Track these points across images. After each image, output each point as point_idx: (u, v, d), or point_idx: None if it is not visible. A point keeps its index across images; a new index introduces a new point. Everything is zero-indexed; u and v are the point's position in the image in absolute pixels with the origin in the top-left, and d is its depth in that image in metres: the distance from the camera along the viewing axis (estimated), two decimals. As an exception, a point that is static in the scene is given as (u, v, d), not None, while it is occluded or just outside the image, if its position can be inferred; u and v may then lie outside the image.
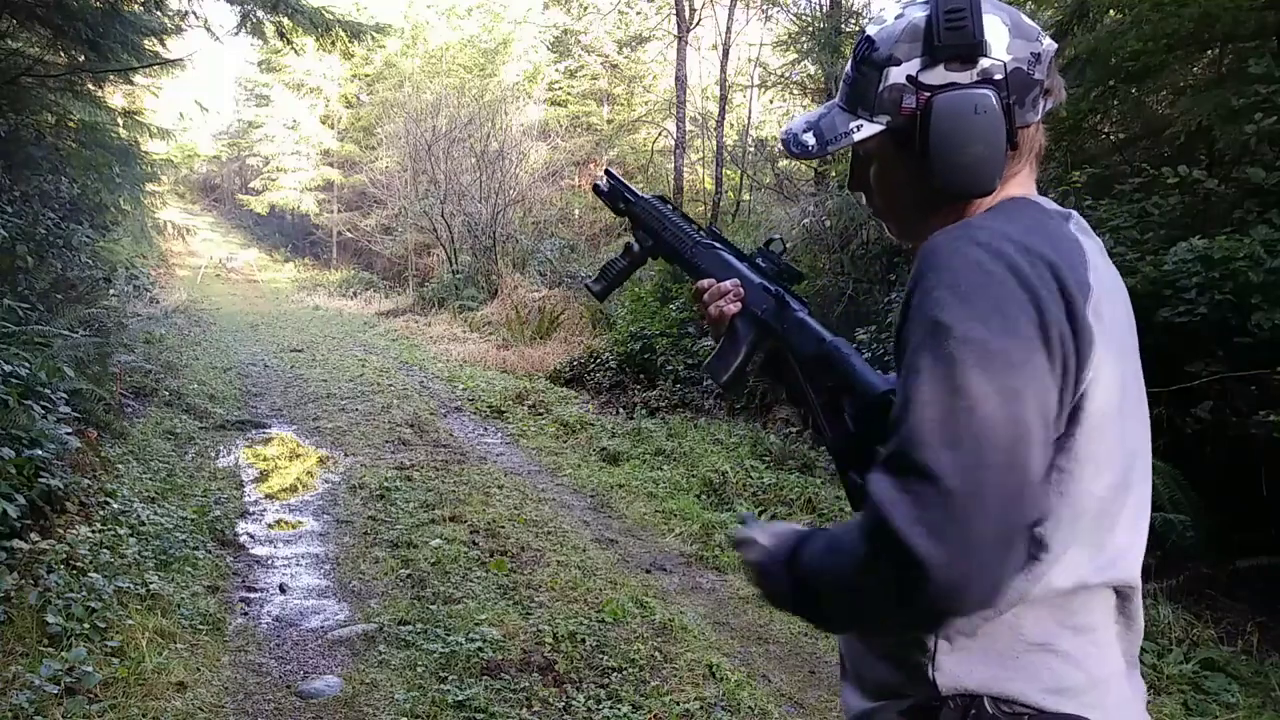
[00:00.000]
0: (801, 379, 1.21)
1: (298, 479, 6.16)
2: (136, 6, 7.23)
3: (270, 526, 5.15)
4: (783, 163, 12.87)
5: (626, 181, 1.48)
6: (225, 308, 18.20)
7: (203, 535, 4.58)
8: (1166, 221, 4.64)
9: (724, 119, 12.28)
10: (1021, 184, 1.02)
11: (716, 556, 4.80)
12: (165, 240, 23.75)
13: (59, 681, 2.80)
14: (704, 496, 5.92)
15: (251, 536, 4.92)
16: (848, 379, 1.12)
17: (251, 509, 5.45)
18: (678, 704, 3.11)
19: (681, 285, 10.16)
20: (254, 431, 7.59)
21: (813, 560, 0.94)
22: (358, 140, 27.12)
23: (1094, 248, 0.95)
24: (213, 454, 6.62)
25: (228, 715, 2.99)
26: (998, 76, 0.95)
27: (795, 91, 12.97)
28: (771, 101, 15.38)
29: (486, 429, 8.18)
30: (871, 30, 1.01)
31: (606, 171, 1.51)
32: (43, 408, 4.22)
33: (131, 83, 11.57)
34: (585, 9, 22.40)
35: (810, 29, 10.78)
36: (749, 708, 3.12)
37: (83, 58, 7.30)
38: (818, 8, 11.09)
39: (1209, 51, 5.54)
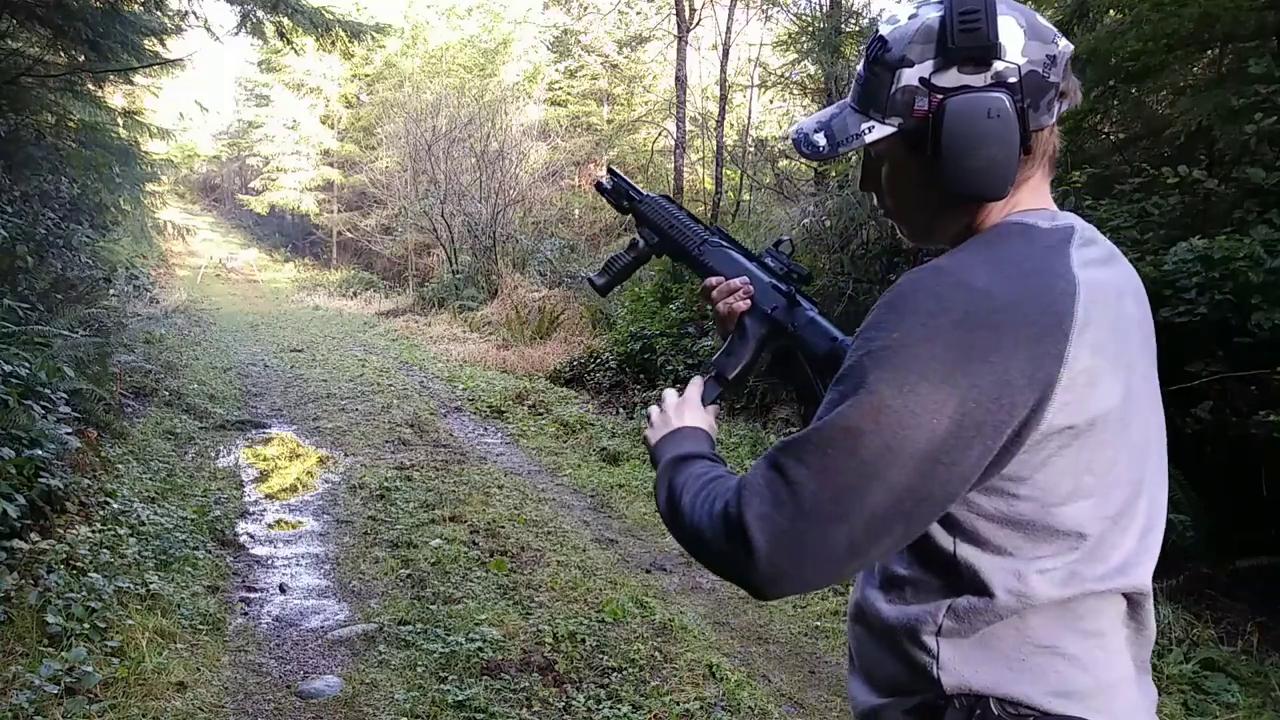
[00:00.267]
0: (814, 378, 1.21)
1: (298, 479, 6.16)
2: (136, 6, 7.23)
3: (270, 526, 5.15)
4: (783, 163, 12.87)
5: (629, 179, 1.47)
6: (225, 308, 18.20)
7: (203, 535, 4.58)
8: (1166, 221, 4.64)
9: (724, 119, 12.27)
10: (1034, 188, 1.00)
11: (716, 556, 4.80)
12: (165, 240, 23.76)
13: (59, 681, 2.80)
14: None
15: (251, 536, 4.92)
16: None
17: (251, 509, 5.45)
18: (678, 704, 3.11)
19: (681, 285, 10.16)
20: (254, 431, 7.59)
21: (683, 488, 1.04)
22: (358, 140, 27.12)
23: (1092, 267, 0.93)
24: (213, 454, 6.63)
25: (228, 715, 2.99)
26: (1012, 80, 0.93)
27: (795, 91, 12.96)
28: (771, 101, 15.38)
29: (486, 429, 8.18)
30: (885, 30, 1.00)
31: (609, 169, 1.50)
32: (43, 408, 4.22)
33: (131, 83, 11.57)
34: (585, 9, 22.41)
35: (810, 29, 10.78)
36: (749, 708, 3.12)
37: (83, 58, 7.30)
38: (818, 8, 11.09)
39: (1209, 51, 5.54)
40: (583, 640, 3.56)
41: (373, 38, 9.50)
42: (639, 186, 1.46)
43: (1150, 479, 0.97)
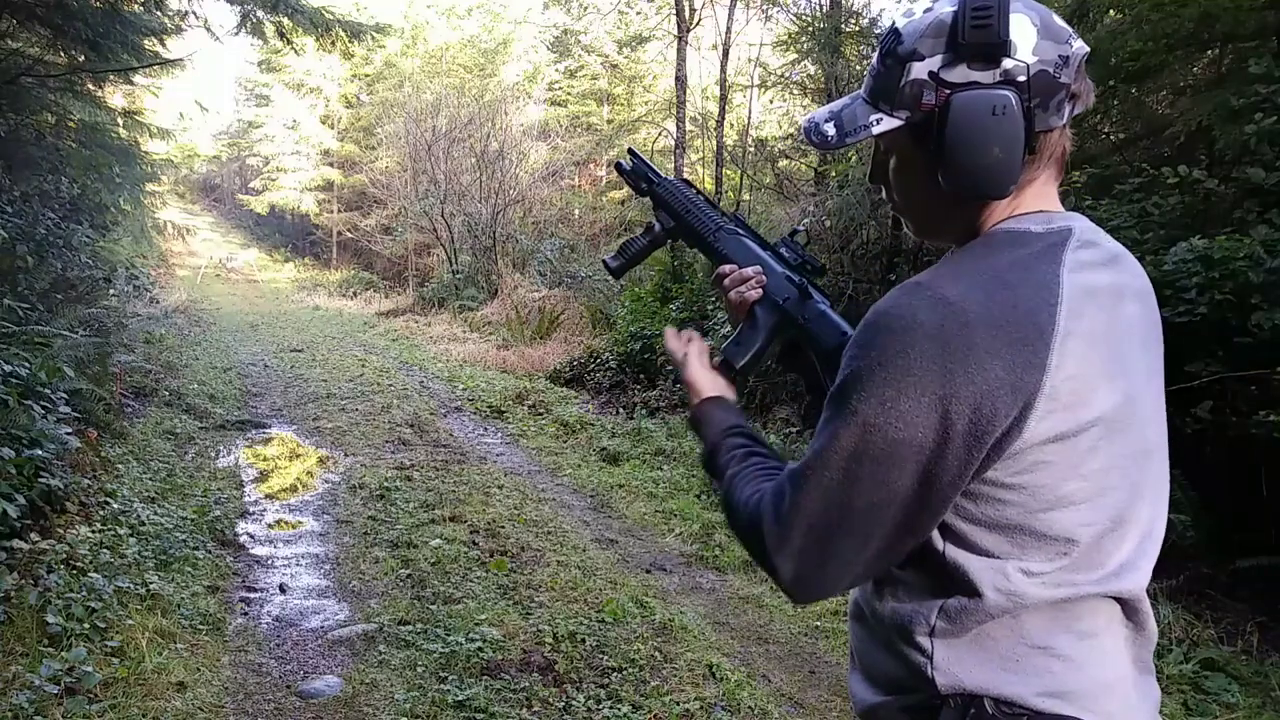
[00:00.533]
0: (821, 371, 1.21)
1: (298, 479, 6.16)
2: (136, 6, 7.23)
3: (270, 526, 5.15)
4: (783, 163, 12.86)
5: (649, 161, 1.46)
6: (225, 308, 18.20)
7: (203, 535, 4.58)
8: (1166, 221, 4.64)
9: (724, 119, 12.27)
10: (1038, 191, 0.99)
11: (716, 556, 4.80)
12: (165, 240, 23.73)
13: (59, 681, 2.80)
14: (704, 496, 5.92)
15: (251, 536, 4.92)
16: None
17: (251, 509, 5.45)
18: (678, 704, 3.11)
19: (681, 286, 10.16)
20: (254, 431, 7.59)
21: (725, 474, 1.13)
22: (358, 140, 27.11)
23: (1086, 271, 0.92)
24: (213, 454, 6.63)
25: (228, 715, 2.99)
26: (1020, 78, 0.92)
27: (795, 91, 12.96)
28: (771, 101, 15.37)
29: (486, 429, 8.18)
30: (900, 23, 0.99)
31: (630, 150, 1.49)
32: (43, 408, 4.22)
33: (131, 83, 11.57)
34: (585, 9, 22.40)
35: (810, 29, 10.78)
36: (749, 708, 3.12)
37: (83, 58, 7.30)
38: (818, 8, 11.09)
39: (1209, 51, 5.54)
40: (583, 640, 3.56)
41: (373, 38, 9.50)
42: (660, 170, 1.45)
43: (1152, 483, 0.97)
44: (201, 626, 3.56)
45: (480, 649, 3.43)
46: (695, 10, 12.96)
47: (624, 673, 3.33)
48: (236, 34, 8.09)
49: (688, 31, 12.46)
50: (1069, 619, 0.92)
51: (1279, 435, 3.69)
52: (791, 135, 13.54)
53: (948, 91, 0.94)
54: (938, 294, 0.89)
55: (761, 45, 13.31)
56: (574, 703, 3.11)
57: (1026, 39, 0.93)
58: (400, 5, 26.44)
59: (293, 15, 7.88)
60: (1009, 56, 0.92)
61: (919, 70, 0.96)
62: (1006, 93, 0.92)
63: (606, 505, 5.83)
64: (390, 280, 23.03)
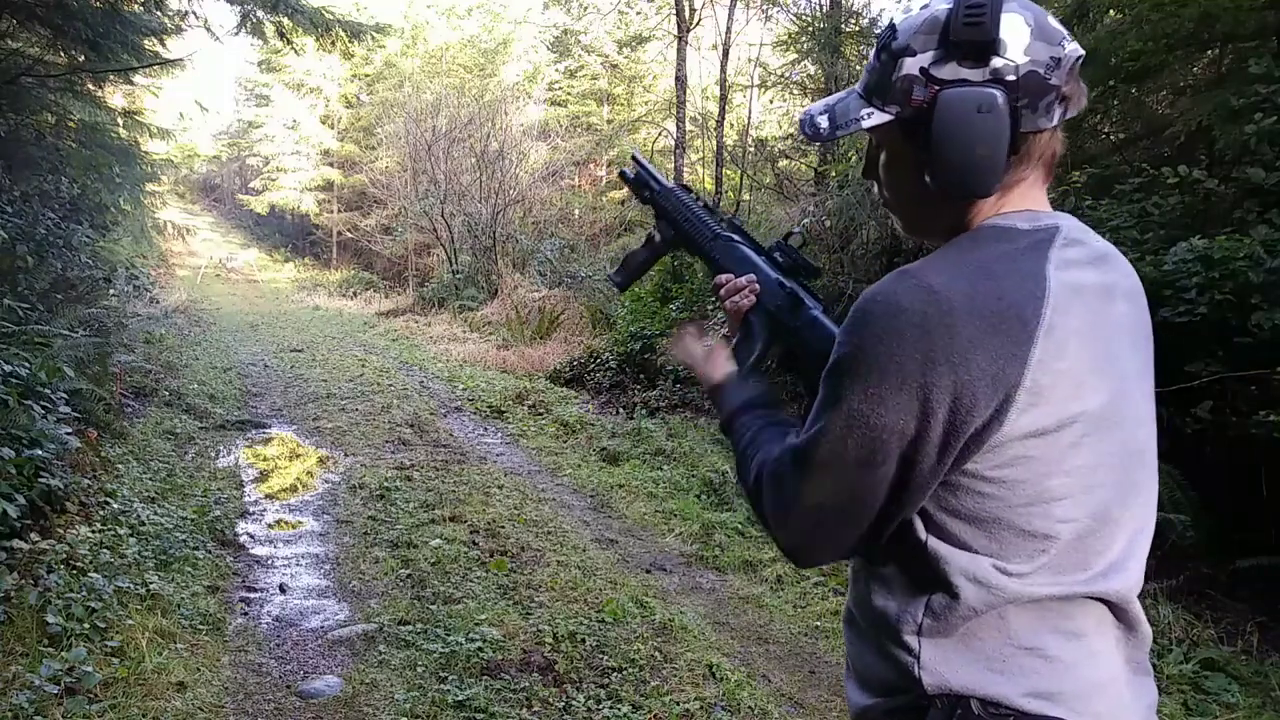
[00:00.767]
0: (815, 378, 1.22)
1: (298, 479, 6.16)
2: (136, 6, 7.23)
3: (270, 526, 5.15)
4: (783, 163, 12.86)
5: (652, 168, 1.46)
6: (225, 308, 18.20)
7: (203, 535, 4.58)
8: (1166, 221, 4.64)
9: (724, 119, 12.27)
10: (1025, 192, 0.99)
11: (716, 556, 4.80)
12: (165, 240, 23.74)
13: (59, 681, 2.80)
14: (704, 496, 5.92)
15: (251, 536, 4.92)
16: None
17: (251, 509, 5.45)
18: (678, 704, 3.11)
19: (681, 286, 10.16)
20: (254, 431, 7.59)
21: (738, 441, 1.16)
22: (358, 140, 27.11)
23: (1072, 269, 0.92)
24: (213, 454, 6.62)
25: (228, 715, 2.99)
26: (1010, 77, 0.92)
27: (795, 91, 12.96)
28: (771, 101, 15.37)
29: (486, 429, 8.18)
30: (898, 19, 1.00)
31: (633, 156, 1.50)
32: (43, 408, 4.22)
33: (131, 83, 11.58)
34: (585, 9, 22.40)
35: (810, 29, 10.78)
36: (749, 708, 3.12)
37: (83, 58, 7.31)
38: (818, 8, 11.09)
39: (1209, 51, 5.54)
40: (583, 640, 3.56)
41: (373, 38, 9.50)
42: (660, 176, 1.46)
43: (1142, 483, 0.97)
44: (201, 626, 3.56)
45: (480, 649, 3.43)
46: (695, 10, 12.96)
47: (624, 673, 3.33)
48: (236, 34, 8.10)
49: (688, 31, 12.46)
50: (1056, 619, 0.92)
51: (1279, 435, 3.69)
52: (791, 135, 13.54)
53: (937, 88, 0.95)
54: (923, 282, 0.90)
55: (761, 45, 13.31)
56: (574, 703, 3.11)
57: (1018, 39, 0.93)
58: (400, 5, 26.46)
59: (293, 15, 7.88)
60: (999, 55, 0.93)
61: (910, 66, 0.97)
62: (993, 91, 0.92)
63: (606, 505, 5.83)
64: (390, 280, 23.03)
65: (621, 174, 1.49)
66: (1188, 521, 3.98)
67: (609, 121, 22.79)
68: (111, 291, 8.64)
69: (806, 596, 4.28)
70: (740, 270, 1.31)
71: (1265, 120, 4.12)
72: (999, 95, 0.92)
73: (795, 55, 11.86)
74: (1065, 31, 0.96)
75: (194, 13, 7.77)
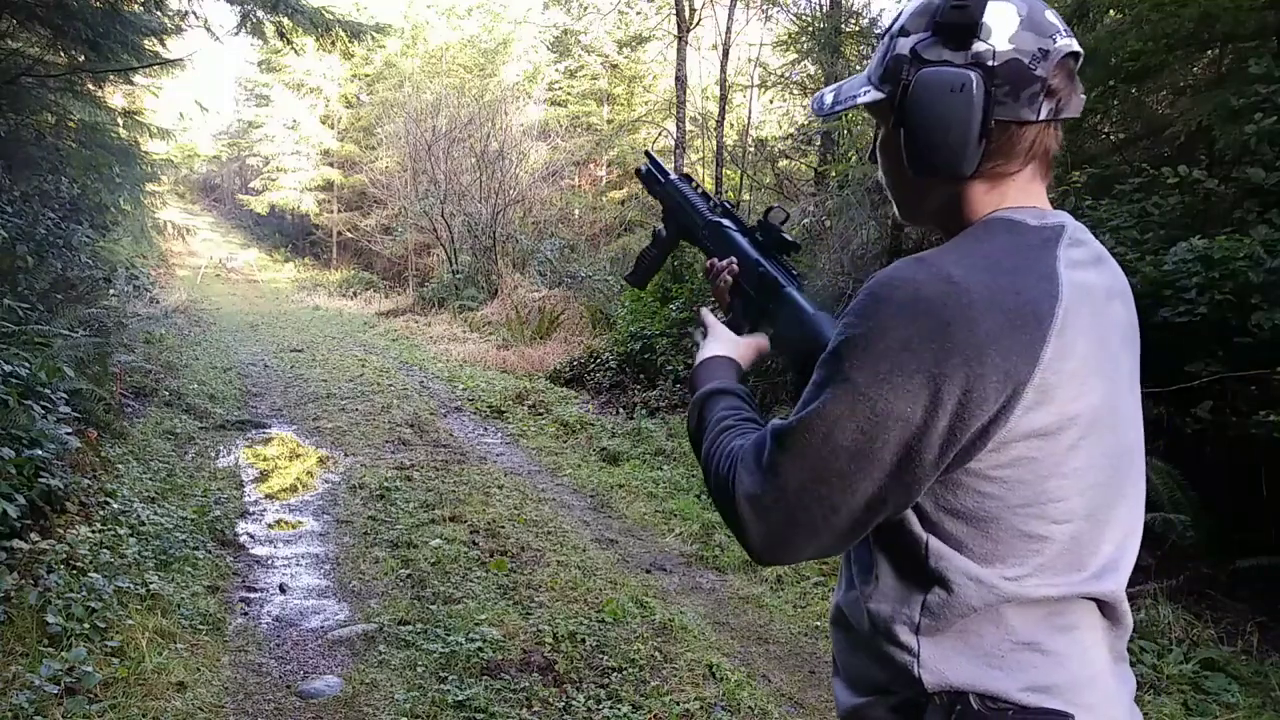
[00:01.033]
0: (788, 363, 1.22)
1: (298, 479, 6.16)
2: (136, 6, 7.23)
3: (270, 526, 5.15)
4: (783, 163, 12.87)
5: (659, 159, 1.52)
6: (225, 308, 18.20)
7: (203, 535, 4.58)
8: (1166, 221, 4.64)
9: (724, 119, 12.27)
10: (1023, 187, 0.99)
11: (716, 556, 4.80)
12: (165, 240, 23.75)
13: (59, 681, 2.80)
14: (704, 496, 5.92)
15: (251, 536, 4.92)
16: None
17: (251, 509, 5.45)
18: (678, 704, 3.11)
19: (681, 286, 10.16)
20: (254, 431, 7.59)
21: (708, 428, 1.11)
22: (358, 140, 27.11)
23: (1078, 269, 0.93)
24: (213, 454, 6.62)
25: (228, 715, 2.99)
26: (989, 63, 0.93)
27: (795, 91, 12.96)
28: (771, 101, 15.37)
29: (486, 429, 8.18)
30: (906, 2, 1.02)
31: (646, 153, 1.56)
32: (43, 408, 4.22)
33: (131, 83, 11.58)
34: (585, 9, 22.39)
35: (810, 29, 10.78)
36: (749, 708, 3.12)
37: (83, 58, 7.31)
38: (818, 8, 11.09)
39: (1209, 51, 5.54)
40: (583, 640, 3.56)
41: (373, 38, 9.50)
42: (669, 170, 1.50)
43: (1132, 483, 0.98)
44: (201, 626, 3.56)
45: (480, 649, 3.43)
46: (695, 10, 12.95)
47: (624, 673, 3.33)
48: (236, 34, 8.11)
49: (688, 31, 12.46)
50: (1051, 615, 0.92)
51: (1279, 435, 3.69)
52: (791, 135, 13.54)
53: (919, 67, 0.96)
54: (942, 271, 0.89)
55: (761, 45, 13.31)
56: (574, 703, 3.11)
57: (1005, 26, 0.93)
58: (400, 5, 26.46)
59: (293, 15, 7.88)
60: (979, 39, 0.93)
61: (903, 46, 0.98)
62: (969, 72, 0.93)
63: (606, 505, 5.83)
64: (390, 280, 23.03)
65: (637, 170, 1.55)
66: (1188, 521, 3.98)
67: (609, 121, 22.78)
68: (111, 291, 8.64)
69: (806, 596, 4.28)
70: (724, 253, 1.32)
71: (1265, 120, 4.12)
72: (974, 77, 0.93)
73: (795, 55, 11.86)
74: (1063, 27, 0.96)
75: (194, 13, 7.78)
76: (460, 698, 3.08)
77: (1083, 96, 0.99)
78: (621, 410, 8.88)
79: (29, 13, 6.49)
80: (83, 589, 3.38)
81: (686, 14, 12.39)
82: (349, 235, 25.72)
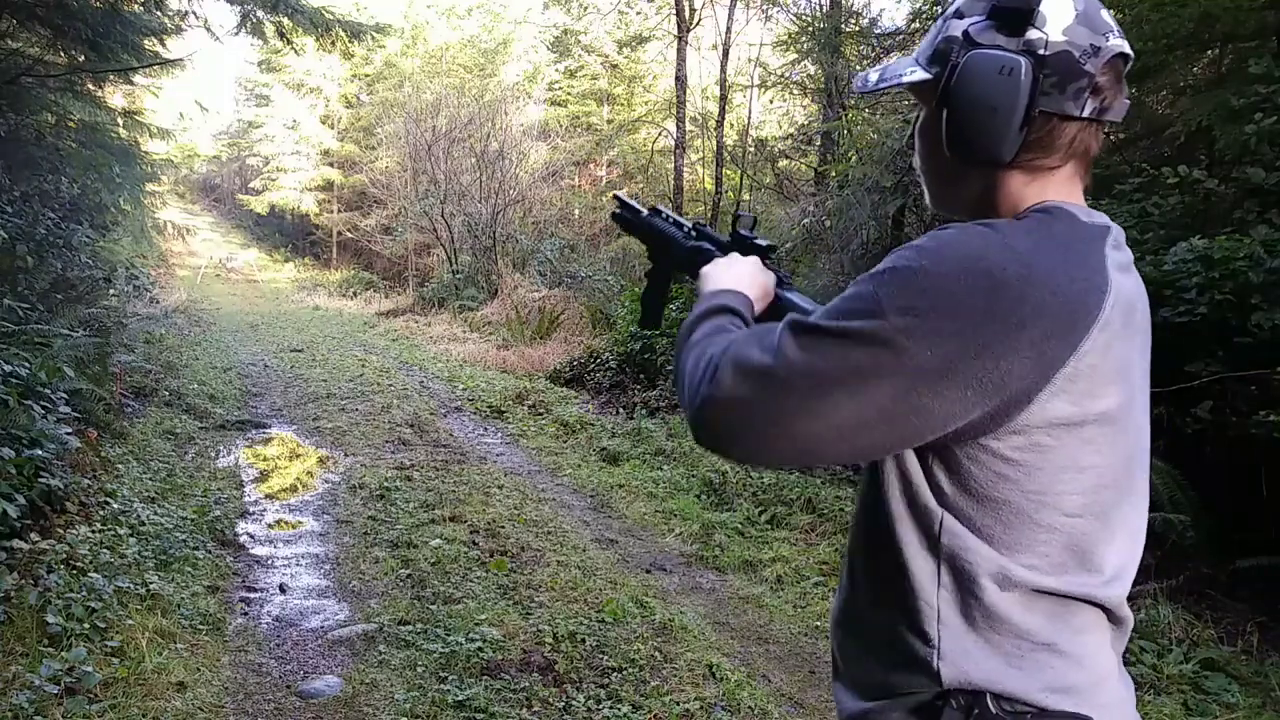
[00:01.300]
0: None
1: (298, 479, 6.16)
2: (136, 6, 7.23)
3: (270, 526, 5.15)
4: (783, 163, 12.87)
5: (629, 200, 1.53)
6: (225, 308, 18.20)
7: (203, 535, 4.58)
8: (1166, 221, 4.64)
9: (724, 119, 12.27)
10: (1063, 185, 0.99)
11: (716, 556, 4.80)
12: (165, 240, 23.71)
13: (59, 681, 2.80)
14: (704, 496, 5.92)
15: (251, 536, 4.92)
16: None
17: (251, 509, 5.45)
18: (678, 704, 3.11)
19: (681, 286, 10.17)
20: (254, 431, 7.59)
21: (708, 322, 1.06)
22: (358, 140, 27.11)
23: (1119, 271, 0.93)
24: (213, 454, 6.63)
25: (228, 715, 2.99)
26: (1041, 51, 0.93)
27: (795, 91, 12.97)
28: (771, 101, 15.38)
29: (486, 429, 8.18)
30: None
31: (614, 196, 1.58)
32: (43, 408, 4.22)
33: (131, 83, 11.57)
34: (585, 9, 22.38)
35: (810, 29, 10.78)
36: (749, 708, 3.12)
37: (83, 58, 7.31)
38: (818, 8, 11.09)
39: (1209, 51, 5.55)
40: (583, 640, 3.56)
41: (373, 38, 9.50)
42: (636, 206, 1.52)
43: (1139, 487, 0.98)
44: (201, 626, 3.56)
45: (480, 649, 3.43)
46: (695, 10, 12.96)
47: (624, 673, 3.33)
48: (236, 34, 8.11)
49: (688, 31, 12.46)
50: (1066, 614, 0.92)
51: (1279, 435, 3.69)
52: (791, 135, 13.54)
53: (970, 49, 0.96)
54: (1009, 240, 0.88)
55: (761, 45, 13.31)
56: (574, 703, 3.11)
57: (1061, 17, 0.94)
58: (400, 5, 26.46)
59: (293, 15, 7.88)
60: (1035, 27, 0.94)
61: (956, 28, 0.99)
62: (1020, 58, 0.93)
63: (606, 505, 5.83)
64: (390, 280, 23.04)
65: (613, 216, 1.56)
66: (1188, 521, 3.98)
67: (609, 121, 22.78)
68: (111, 291, 8.63)
69: (806, 596, 4.28)
70: None
71: (1265, 120, 4.12)
72: (1024, 63, 0.93)
73: (795, 55, 11.86)
74: (1116, 28, 0.96)
75: (194, 13, 7.78)
76: (460, 698, 3.08)
77: (1127, 101, 0.99)
78: (621, 410, 8.88)
79: (29, 13, 6.49)
80: (83, 589, 3.38)
81: (686, 14, 12.40)
82: (349, 235, 25.72)
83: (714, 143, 12.42)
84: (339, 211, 27.05)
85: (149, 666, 3.07)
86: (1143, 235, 4.59)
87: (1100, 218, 0.97)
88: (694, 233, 1.40)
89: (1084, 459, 0.90)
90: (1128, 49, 0.96)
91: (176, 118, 20.06)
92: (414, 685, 3.18)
